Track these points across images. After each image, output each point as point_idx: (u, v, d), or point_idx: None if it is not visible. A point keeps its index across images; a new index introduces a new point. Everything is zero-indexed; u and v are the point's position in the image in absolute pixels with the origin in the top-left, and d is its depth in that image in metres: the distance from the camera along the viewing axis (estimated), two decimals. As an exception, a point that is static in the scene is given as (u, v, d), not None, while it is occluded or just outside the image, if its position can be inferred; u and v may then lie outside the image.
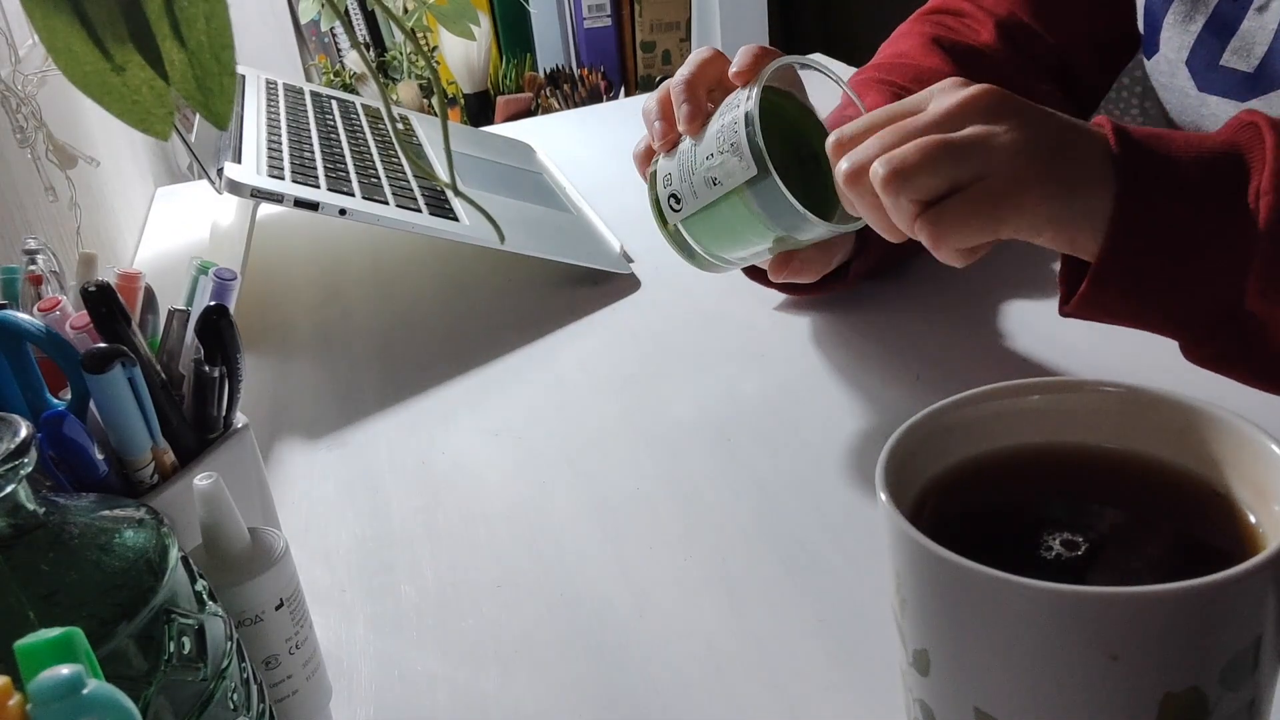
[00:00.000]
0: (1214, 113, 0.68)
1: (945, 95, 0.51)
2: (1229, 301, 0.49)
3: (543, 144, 1.14)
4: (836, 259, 0.68)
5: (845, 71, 0.72)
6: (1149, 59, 0.72)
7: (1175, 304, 0.50)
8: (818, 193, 0.56)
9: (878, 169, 0.48)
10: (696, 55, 0.63)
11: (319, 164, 0.84)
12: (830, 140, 0.53)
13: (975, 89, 0.51)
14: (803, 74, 0.63)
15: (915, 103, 0.53)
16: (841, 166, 0.52)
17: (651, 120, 0.62)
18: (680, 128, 0.61)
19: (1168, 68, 0.70)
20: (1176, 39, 0.69)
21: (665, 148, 0.62)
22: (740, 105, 0.57)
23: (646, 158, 0.64)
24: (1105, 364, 0.62)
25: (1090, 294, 0.49)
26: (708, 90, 0.61)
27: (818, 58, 0.60)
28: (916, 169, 0.48)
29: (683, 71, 0.62)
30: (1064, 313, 0.51)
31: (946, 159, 0.48)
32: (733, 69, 0.59)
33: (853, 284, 0.71)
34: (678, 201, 0.60)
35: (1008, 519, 0.34)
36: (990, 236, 0.49)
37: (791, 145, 0.59)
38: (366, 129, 1.02)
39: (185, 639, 0.32)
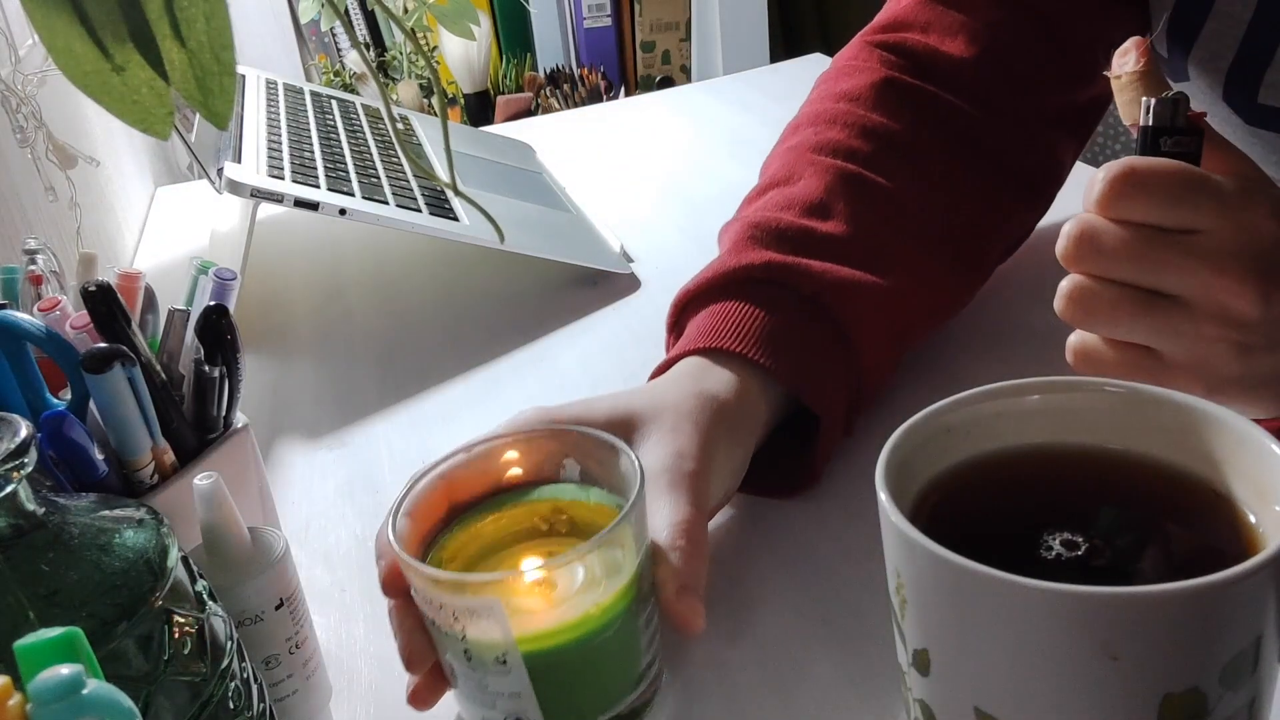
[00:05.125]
0: (1269, 146, 0.63)
1: (1238, 283, 0.41)
2: None
3: (543, 144, 1.14)
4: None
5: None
6: (1175, 82, 0.67)
7: None
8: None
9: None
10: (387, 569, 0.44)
11: (319, 164, 0.84)
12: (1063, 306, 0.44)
13: None
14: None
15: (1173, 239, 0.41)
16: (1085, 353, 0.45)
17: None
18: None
19: (1204, 99, 0.65)
20: (1208, 72, 0.63)
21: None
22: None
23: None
24: (1105, 364, 0.62)
25: None
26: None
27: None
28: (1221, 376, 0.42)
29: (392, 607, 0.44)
30: None
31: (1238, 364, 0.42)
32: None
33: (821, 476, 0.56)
34: None
35: (1008, 519, 0.34)
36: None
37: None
38: (366, 129, 1.02)
39: (185, 639, 0.32)
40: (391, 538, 0.41)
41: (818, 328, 0.56)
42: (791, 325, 0.55)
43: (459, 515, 0.45)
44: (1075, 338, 0.45)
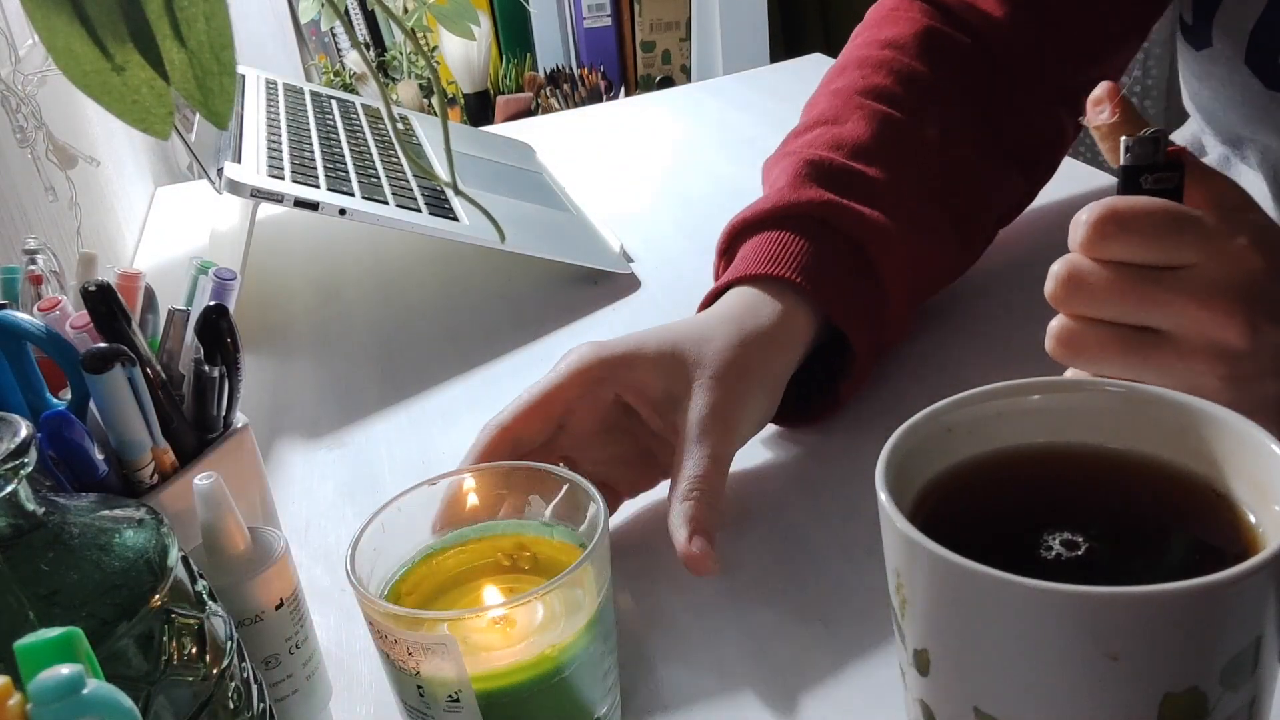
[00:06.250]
0: None
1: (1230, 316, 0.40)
2: None
3: (543, 144, 1.14)
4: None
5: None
6: (1198, 50, 0.69)
7: None
8: None
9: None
10: None
11: (319, 164, 0.84)
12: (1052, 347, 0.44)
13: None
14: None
15: (1164, 271, 0.41)
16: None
17: None
18: None
19: (1226, 64, 0.67)
20: (1231, 35, 0.66)
21: None
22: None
23: None
24: (1105, 364, 0.62)
25: None
26: None
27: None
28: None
29: None
30: None
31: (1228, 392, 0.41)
32: None
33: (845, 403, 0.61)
34: None
35: (1008, 519, 0.34)
36: None
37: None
38: (366, 129, 1.02)
39: (185, 639, 0.32)
40: (350, 571, 0.41)
41: (858, 268, 0.60)
42: (836, 262, 0.59)
43: (421, 548, 0.45)
44: (1068, 373, 0.46)
